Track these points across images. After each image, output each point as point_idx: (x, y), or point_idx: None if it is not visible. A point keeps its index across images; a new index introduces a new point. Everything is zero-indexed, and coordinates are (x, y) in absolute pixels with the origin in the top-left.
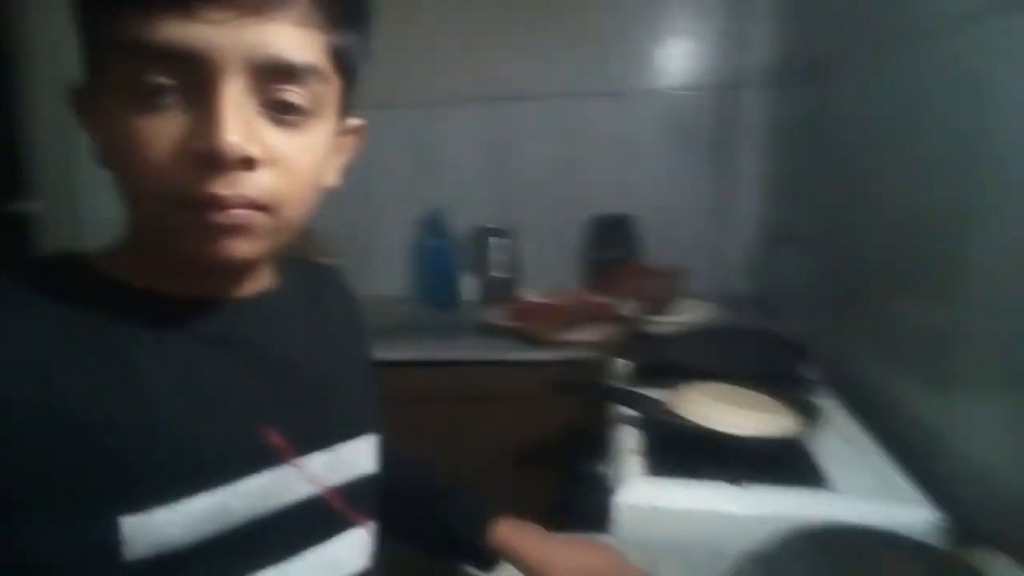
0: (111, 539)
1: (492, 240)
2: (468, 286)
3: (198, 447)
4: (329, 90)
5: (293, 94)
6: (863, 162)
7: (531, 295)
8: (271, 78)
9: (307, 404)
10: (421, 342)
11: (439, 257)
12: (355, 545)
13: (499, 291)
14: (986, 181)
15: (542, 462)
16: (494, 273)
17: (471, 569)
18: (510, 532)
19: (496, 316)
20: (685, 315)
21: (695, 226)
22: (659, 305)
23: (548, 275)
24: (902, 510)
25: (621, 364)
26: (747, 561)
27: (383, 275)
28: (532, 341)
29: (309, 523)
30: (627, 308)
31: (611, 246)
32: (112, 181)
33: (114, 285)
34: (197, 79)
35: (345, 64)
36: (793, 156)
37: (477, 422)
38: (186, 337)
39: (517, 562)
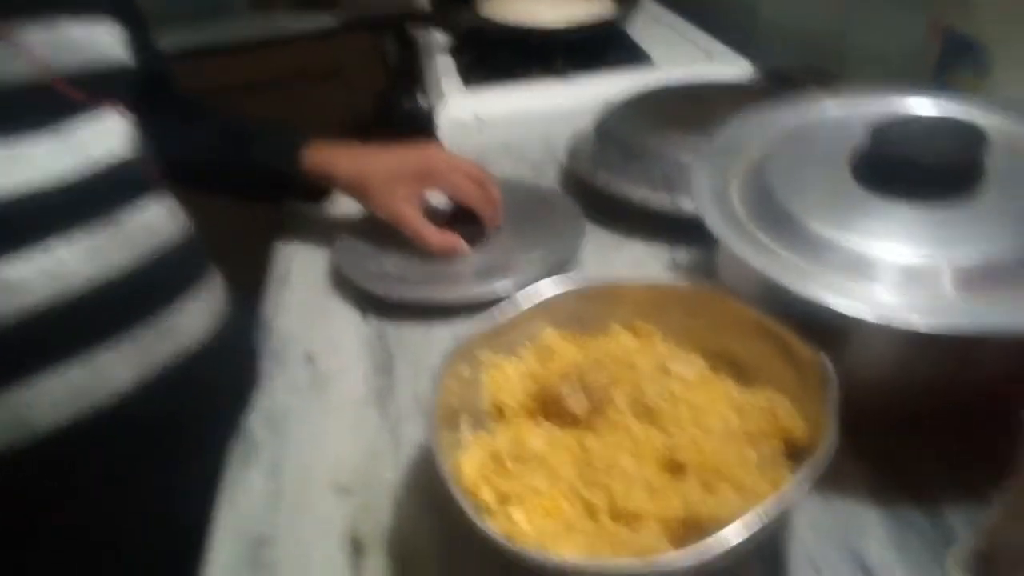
0: None
1: None
2: None
3: None
4: None
5: None
6: None
7: None
8: None
9: None
10: (188, 30)
11: None
12: (105, 131)
13: None
14: None
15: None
16: None
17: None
18: (323, 152)
19: None
20: None
21: None
22: None
23: None
24: (723, 69)
25: None
26: (581, 136)
27: None
28: (318, 4)
29: (35, 106)
30: None
31: None
32: None
33: None
34: None
35: None
36: None
37: (274, 109)
38: None
39: (334, 180)
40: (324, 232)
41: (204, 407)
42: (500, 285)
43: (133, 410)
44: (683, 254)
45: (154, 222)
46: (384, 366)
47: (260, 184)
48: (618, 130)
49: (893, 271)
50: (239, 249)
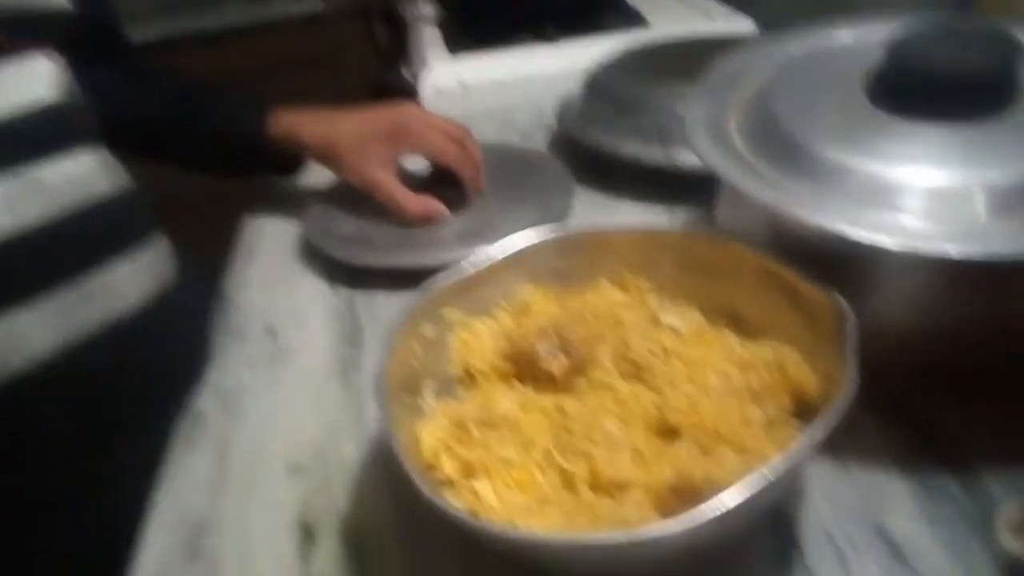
0: None
1: None
2: None
3: None
4: None
5: None
6: None
7: None
8: None
9: None
10: (175, 19)
11: None
12: (29, 76)
13: None
14: None
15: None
16: None
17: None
18: (290, 118)
19: None
20: None
21: None
22: None
23: None
24: (725, 25)
25: None
26: (571, 97)
27: None
28: None
29: None
30: None
31: None
32: None
33: None
34: None
35: None
36: None
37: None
38: None
39: (301, 145)
40: (295, 204)
41: (147, 379)
42: (483, 248)
43: (55, 376)
44: (680, 214)
45: (81, 174)
46: (352, 338)
47: (223, 152)
48: (608, 84)
49: (919, 197)
50: (211, 230)
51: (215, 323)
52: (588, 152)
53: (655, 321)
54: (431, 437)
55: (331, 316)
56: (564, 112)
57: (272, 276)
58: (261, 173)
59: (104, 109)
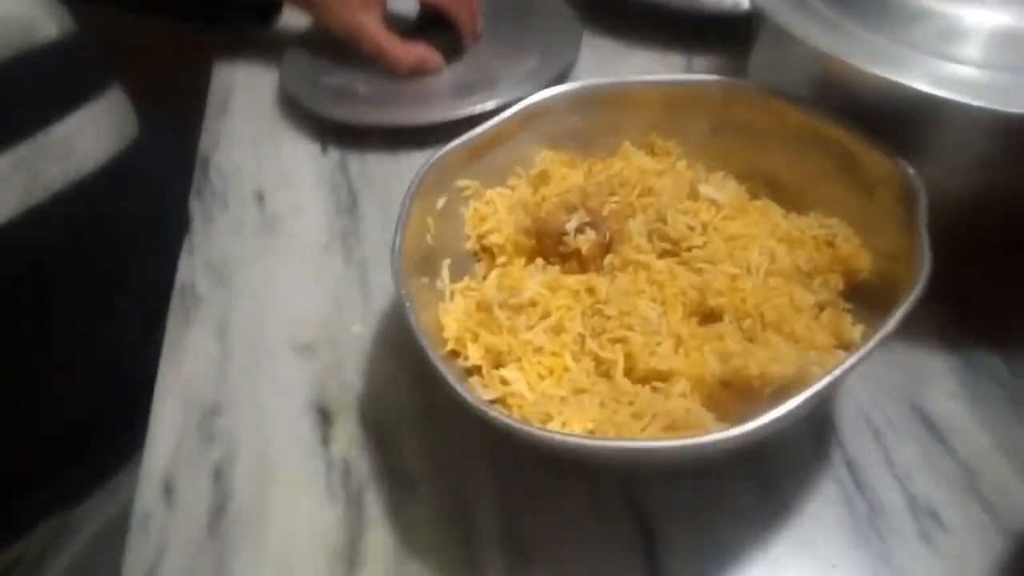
0: None
1: None
2: None
3: None
4: None
5: None
6: None
7: None
8: None
9: None
10: None
11: None
12: None
13: None
14: None
15: None
16: None
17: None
18: None
19: None
20: None
21: None
22: None
23: None
24: None
25: None
26: None
27: None
28: None
29: None
30: None
31: None
32: None
33: None
34: None
35: None
36: None
37: None
38: None
39: None
40: (271, 51)
41: (118, 245)
42: (482, 103)
43: (22, 243)
44: (702, 61)
45: (18, 14)
46: (348, 204)
47: None
48: None
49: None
50: (173, 81)
51: (189, 186)
52: None
53: (692, 191)
54: (455, 323)
55: (323, 179)
56: None
57: (252, 134)
58: (230, 20)
59: None
